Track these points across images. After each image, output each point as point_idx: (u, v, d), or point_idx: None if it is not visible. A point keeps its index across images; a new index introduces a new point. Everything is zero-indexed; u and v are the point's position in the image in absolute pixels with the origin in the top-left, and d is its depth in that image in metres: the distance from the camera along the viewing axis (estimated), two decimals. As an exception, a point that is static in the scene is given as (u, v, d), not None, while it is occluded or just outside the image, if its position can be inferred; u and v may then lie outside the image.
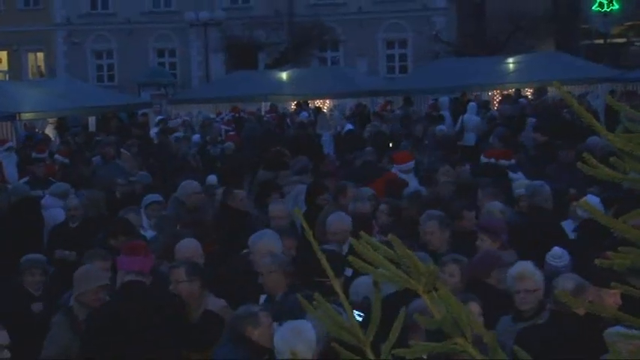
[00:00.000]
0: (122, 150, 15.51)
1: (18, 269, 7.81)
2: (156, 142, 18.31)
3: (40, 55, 45.43)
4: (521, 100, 23.39)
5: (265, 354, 5.24)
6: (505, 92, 25.60)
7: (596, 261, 1.88)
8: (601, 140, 11.97)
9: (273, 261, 6.31)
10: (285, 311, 5.90)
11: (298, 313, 5.38)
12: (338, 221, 7.86)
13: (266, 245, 6.80)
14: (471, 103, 22.19)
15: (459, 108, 22.05)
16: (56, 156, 15.68)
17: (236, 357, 5.28)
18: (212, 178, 12.19)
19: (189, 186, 9.98)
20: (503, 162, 11.41)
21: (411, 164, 11.74)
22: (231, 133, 20.39)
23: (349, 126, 20.97)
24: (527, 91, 25.85)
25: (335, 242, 7.59)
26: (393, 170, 11.57)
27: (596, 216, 1.84)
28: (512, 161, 11.53)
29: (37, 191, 11.91)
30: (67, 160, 15.24)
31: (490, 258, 6.61)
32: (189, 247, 7.02)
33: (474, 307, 5.04)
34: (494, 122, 19.21)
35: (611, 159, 1.91)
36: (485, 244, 7.27)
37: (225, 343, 5.54)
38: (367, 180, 10.84)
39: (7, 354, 4.86)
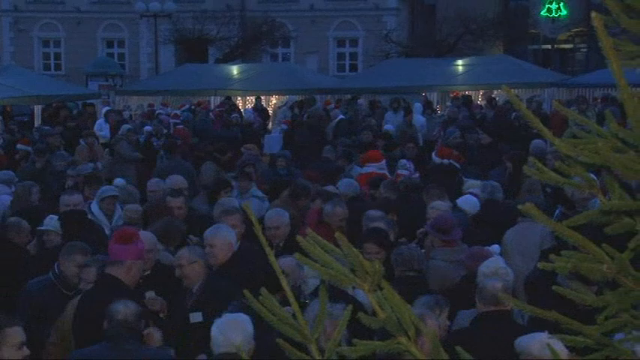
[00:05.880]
0: (80, 141, 15.49)
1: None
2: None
3: (-14, 41, 44.67)
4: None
5: None
6: (452, 94, 25.76)
7: (539, 264, 1.91)
8: (544, 143, 12.17)
9: (192, 252, 6.45)
10: (202, 302, 6.05)
11: (217, 305, 5.45)
12: (275, 217, 7.75)
13: (225, 238, 6.80)
14: (416, 104, 22.26)
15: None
16: (18, 145, 15.49)
17: None
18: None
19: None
20: (456, 164, 11.54)
21: (384, 163, 11.91)
22: (179, 126, 20.23)
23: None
24: (479, 94, 26.09)
25: (272, 238, 7.52)
26: (368, 169, 11.63)
27: (540, 220, 1.86)
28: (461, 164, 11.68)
29: None
30: (29, 149, 15.08)
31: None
32: (145, 239, 6.86)
33: (431, 323, 4.90)
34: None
35: (556, 163, 1.93)
36: (436, 242, 7.34)
37: None
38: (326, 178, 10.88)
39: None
